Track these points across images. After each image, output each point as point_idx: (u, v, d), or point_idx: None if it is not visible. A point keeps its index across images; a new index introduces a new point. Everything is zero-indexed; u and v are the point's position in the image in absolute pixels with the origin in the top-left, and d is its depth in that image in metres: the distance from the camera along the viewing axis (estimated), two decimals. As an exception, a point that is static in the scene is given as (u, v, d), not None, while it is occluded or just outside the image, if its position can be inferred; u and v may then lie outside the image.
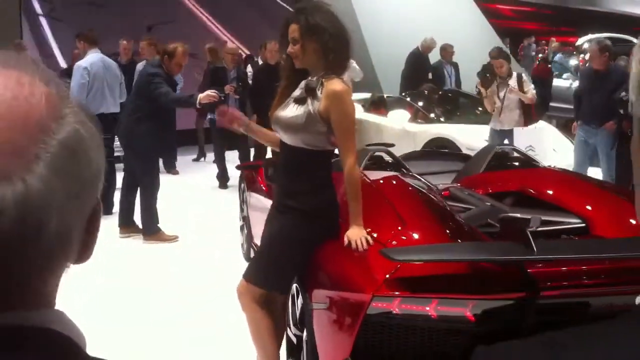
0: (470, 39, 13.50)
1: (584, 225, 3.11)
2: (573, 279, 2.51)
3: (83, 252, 0.69)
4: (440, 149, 7.69)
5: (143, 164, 6.28)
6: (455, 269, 2.50)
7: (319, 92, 2.94)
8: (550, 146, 8.16)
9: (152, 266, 5.65)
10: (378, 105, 10.09)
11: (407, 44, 11.78)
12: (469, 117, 9.57)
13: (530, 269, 2.45)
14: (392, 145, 7.18)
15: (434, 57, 11.71)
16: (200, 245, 6.21)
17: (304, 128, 2.96)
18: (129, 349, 4.06)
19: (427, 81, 10.94)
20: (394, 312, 2.42)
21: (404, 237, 2.84)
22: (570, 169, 7.78)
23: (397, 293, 2.43)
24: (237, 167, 6.52)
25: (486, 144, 8.06)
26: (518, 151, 5.17)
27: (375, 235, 2.87)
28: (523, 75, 7.91)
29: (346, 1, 13.63)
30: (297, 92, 3.05)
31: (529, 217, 3.28)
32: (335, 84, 2.93)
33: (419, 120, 9.33)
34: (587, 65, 8.67)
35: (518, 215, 3.36)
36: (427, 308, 2.39)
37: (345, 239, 2.86)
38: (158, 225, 6.37)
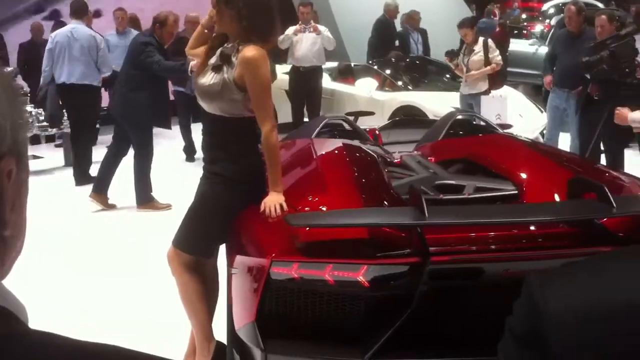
0: (438, 6, 13.43)
1: (516, 192, 3.07)
2: (467, 244, 2.51)
3: None
4: (408, 117, 7.69)
5: (138, 134, 6.31)
6: (352, 235, 2.53)
7: (234, 59, 2.94)
8: (517, 112, 8.18)
9: (146, 234, 5.59)
10: (345, 74, 10.02)
11: (374, 12, 11.66)
12: (436, 84, 9.56)
13: (429, 235, 2.46)
14: (372, 113, 7.24)
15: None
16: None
17: (219, 95, 2.95)
18: (125, 318, 4.07)
19: (394, 48, 10.88)
20: (293, 276, 2.46)
21: (319, 204, 2.89)
22: (536, 134, 7.85)
23: (294, 258, 2.48)
24: None
25: (451, 109, 8.13)
26: (478, 118, 5.16)
27: (292, 201, 2.90)
28: (489, 41, 7.89)
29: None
30: (213, 59, 3.05)
31: (465, 184, 3.26)
32: (249, 50, 2.90)
33: (387, 89, 9.28)
34: (560, 29, 8.65)
35: (453, 182, 3.32)
36: (323, 273, 2.43)
37: (262, 205, 2.87)
38: (151, 194, 6.46)
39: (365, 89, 9.22)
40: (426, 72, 10.09)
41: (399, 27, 11.69)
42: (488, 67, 7.63)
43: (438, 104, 8.34)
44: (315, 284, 2.45)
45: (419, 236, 2.43)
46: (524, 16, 17.86)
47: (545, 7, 16.94)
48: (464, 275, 2.47)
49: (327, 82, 9.51)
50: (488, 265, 2.42)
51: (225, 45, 3.04)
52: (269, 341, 2.50)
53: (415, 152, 4.22)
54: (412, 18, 11.51)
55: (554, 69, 7.33)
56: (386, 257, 2.42)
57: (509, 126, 5.72)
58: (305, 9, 9.04)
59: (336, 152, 3.72)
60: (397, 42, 11.28)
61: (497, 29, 12.39)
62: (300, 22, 9.06)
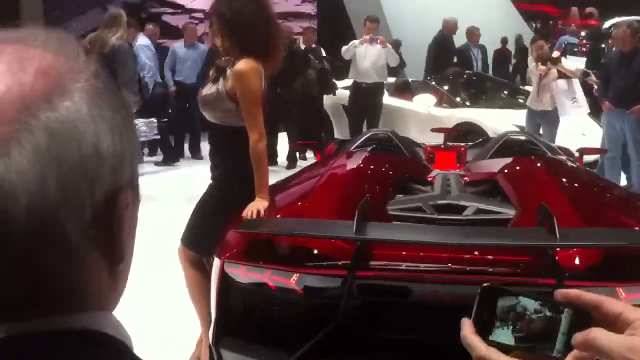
0: (496, 22, 13.36)
1: (508, 218, 3.00)
2: (401, 262, 2.50)
3: (106, 250, 0.62)
4: (466, 134, 7.67)
5: None
6: (294, 242, 2.65)
7: (228, 72, 3.14)
8: (580, 130, 8.07)
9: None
10: (402, 89, 10.02)
11: (431, 28, 11.65)
12: (495, 101, 9.50)
13: (377, 250, 2.51)
14: (454, 131, 7.21)
15: (460, 40, 11.59)
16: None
17: (213, 105, 3.17)
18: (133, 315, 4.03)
19: (452, 65, 10.85)
20: (242, 278, 2.61)
21: (291, 211, 3.06)
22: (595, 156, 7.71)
23: (241, 262, 2.63)
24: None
25: (513, 128, 8.07)
26: (533, 138, 4.99)
27: (276, 206, 3.10)
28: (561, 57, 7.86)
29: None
30: (212, 72, 3.30)
31: (468, 205, 3.21)
32: (241, 64, 3.08)
33: (445, 105, 9.26)
34: (613, 48, 8.53)
35: (453, 202, 3.27)
36: (264, 277, 2.55)
37: (246, 209, 3.03)
38: None
39: (423, 105, 9.20)
40: (484, 89, 10.03)
41: (457, 44, 11.65)
42: (577, 68, 7.59)
43: (497, 121, 8.29)
44: (259, 287, 2.60)
45: (356, 250, 2.48)
46: (582, 34, 17.58)
47: (606, 25, 16.66)
48: (387, 292, 2.48)
49: (385, 98, 9.52)
50: (417, 285, 2.43)
51: (223, 58, 3.29)
52: (221, 337, 2.68)
53: (456, 170, 4.21)
54: (472, 34, 11.46)
55: (607, 88, 7.21)
56: (316, 267, 2.50)
57: (568, 151, 5.45)
58: (372, 24, 9.03)
59: (349, 163, 3.83)
60: (455, 58, 11.25)
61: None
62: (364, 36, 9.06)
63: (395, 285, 2.45)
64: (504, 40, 12.96)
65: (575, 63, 7.82)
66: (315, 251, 2.59)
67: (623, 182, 7.12)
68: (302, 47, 9.20)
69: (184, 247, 3.42)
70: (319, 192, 3.28)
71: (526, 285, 2.32)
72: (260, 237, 2.72)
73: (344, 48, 9.30)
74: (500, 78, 11.36)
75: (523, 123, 7.97)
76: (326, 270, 2.50)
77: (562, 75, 7.55)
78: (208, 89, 3.22)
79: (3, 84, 0.56)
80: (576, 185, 3.64)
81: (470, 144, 5.46)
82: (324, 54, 10.01)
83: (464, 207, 3.19)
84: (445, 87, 9.58)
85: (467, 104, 9.26)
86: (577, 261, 2.43)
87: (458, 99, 9.33)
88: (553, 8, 19.30)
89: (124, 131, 0.63)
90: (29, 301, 0.58)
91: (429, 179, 3.89)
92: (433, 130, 6.73)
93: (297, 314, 2.54)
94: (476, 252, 2.51)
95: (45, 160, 0.55)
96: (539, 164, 4.04)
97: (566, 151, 5.46)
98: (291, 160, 8.89)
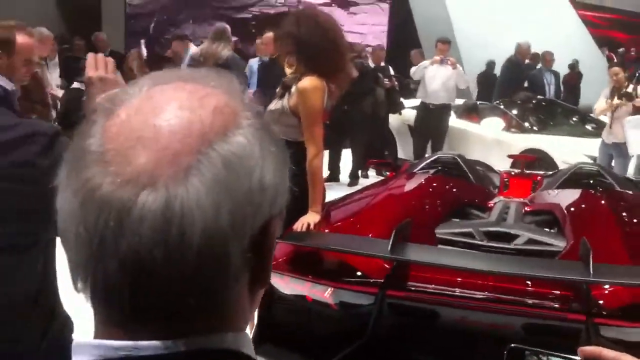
0: (569, 47, 13.14)
1: (558, 250, 2.96)
2: (432, 284, 2.49)
3: (256, 274, 0.68)
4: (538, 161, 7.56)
5: None
6: (333, 257, 2.70)
7: (293, 88, 3.26)
8: None
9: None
10: (470, 112, 9.94)
11: (502, 51, 11.56)
12: (563, 127, 9.32)
13: (415, 272, 2.52)
14: (534, 159, 7.11)
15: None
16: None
17: (277, 120, 3.27)
18: None
19: (522, 89, 10.71)
20: (284, 288, 2.69)
21: (341, 227, 3.12)
22: None
23: (284, 272, 2.69)
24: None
25: (585, 159, 7.89)
26: (600, 170, 4.82)
27: (327, 221, 3.18)
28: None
29: (441, 6, 13.51)
30: (278, 89, 3.44)
31: (520, 234, 3.19)
32: (305, 81, 3.20)
33: (513, 130, 9.14)
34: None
35: (503, 229, 3.26)
36: (304, 288, 2.61)
37: (298, 222, 3.10)
38: None
39: (491, 128, 9.11)
40: (554, 115, 9.86)
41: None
42: None
43: (566, 149, 8.14)
44: (299, 299, 2.66)
45: (392, 269, 2.52)
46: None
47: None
48: (417, 314, 2.48)
49: (452, 119, 9.47)
50: (443, 308, 2.42)
51: (289, 75, 3.41)
52: (260, 344, 2.72)
53: (520, 199, 4.16)
54: (546, 59, 11.30)
55: None
56: (350, 283, 2.54)
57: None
58: (444, 46, 9.04)
59: (407, 184, 3.87)
60: (525, 83, 11.11)
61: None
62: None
63: (425, 308, 2.47)
64: (572, 66, 12.70)
65: None
66: (352, 267, 2.65)
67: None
68: (372, 65, 9.23)
69: None
70: (371, 210, 3.35)
71: (555, 319, 2.28)
72: (304, 249, 2.79)
73: (413, 68, 9.30)
74: (569, 104, 11.16)
75: (592, 152, 7.81)
76: (360, 286, 2.55)
77: (637, 110, 7.34)
78: (274, 105, 3.34)
79: (186, 119, 0.63)
80: (636, 220, 3.54)
81: (549, 172, 5.39)
82: (392, 72, 10.03)
83: (516, 236, 3.18)
84: (514, 112, 9.47)
85: (536, 129, 9.13)
86: (611, 299, 2.36)
87: (527, 124, 9.20)
88: (625, 34, 18.90)
89: (282, 166, 0.69)
90: (193, 317, 0.63)
91: (490, 205, 3.88)
92: (510, 156, 6.67)
93: (331, 327, 2.60)
94: (511, 282, 2.49)
95: (221, 189, 0.61)
96: (601, 197, 3.97)
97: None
98: (353, 178, 8.92)
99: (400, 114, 9.57)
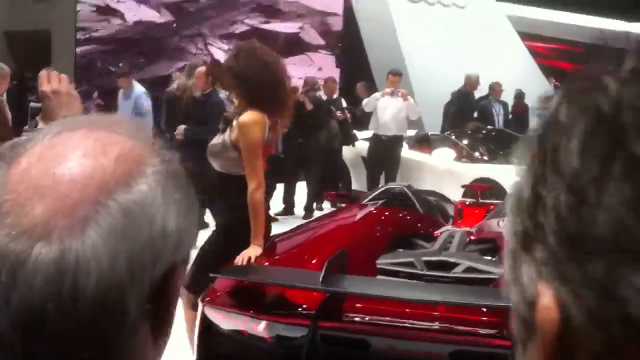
0: (517, 78, 13.45)
1: (495, 277, 3.00)
2: (363, 314, 2.51)
3: (156, 325, 0.66)
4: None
5: None
6: (269, 291, 2.72)
7: (234, 123, 3.30)
8: None
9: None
10: (422, 143, 10.08)
11: (452, 82, 11.78)
12: (512, 156, 9.46)
13: (342, 302, 2.54)
14: (489, 188, 7.18)
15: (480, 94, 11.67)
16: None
17: (218, 154, 3.35)
18: None
19: (472, 119, 10.91)
20: (220, 323, 2.72)
21: (282, 260, 3.13)
22: None
23: (221, 307, 2.71)
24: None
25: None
26: None
27: (268, 254, 3.19)
28: None
29: (392, 37, 13.75)
30: (221, 124, 3.50)
31: (460, 263, 3.26)
32: (245, 116, 3.26)
33: (464, 160, 9.30)
34: None
35: (444, 259, 3.32)
36: (238, 323, 2.63)
37: (239, 255, 3.11)
38: None
39: (442, 159, 9.25)
40: (504, 144, 10.06)
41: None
42: None
43: (515, 178, 8.28)
44: (232, 332, 2.69)
45: (323, 301, 2.52)
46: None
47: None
48: (348, 344, 2.49)
49: (404, 150, 9.58)
50: (373, 338, 2.43)
51: (232, 110, 3.47)
52: None
53: (467, 228, 4.22)
54: (494, 90, 11.55)
55: None
56: (284, 316, 2.55)
57: None
58: (395, 78, 9.19)
59: (353, 216, 3.89)
60: (475, 114, 11.32)
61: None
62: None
63: (356, 338, 2.47)
64: (518, 96, 12.89)
65: None
66: (287, 300, 2.65)
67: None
68: (324, 97, 9.31)
69: (187, 291, 3.46)
70: (312, 243, 3.35)
71: (483, 346, 2.30)
72: (242, 284, 2.79)
73: (365, 100, 9.42)
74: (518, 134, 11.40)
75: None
76: (292, 319, 2.56)
77: None
78: (216, 139, 3.38)
79: (89, 167, 0.61)
80: None
81: (502, 201, 5.45)
82: (344, 104, 10.13)
83: (456, 265, 3.23)
84: (465, 142, 9.64)
85: (486, 159, 9.30)
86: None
87: (477, 154, 9.37)
88: (569, 64, 19.45)
89: (188, 212, 0.67)
90: None
91: (436, 235, 3.92)
92: (464, 186, 6.76)
93: (263, 358, 2.61)
94: (442, 311, 2.51)
95: (119, 238, 0.60)
96: None
97: None
98: (308, 211, 8.94)
99: (353, 145, 9.67)
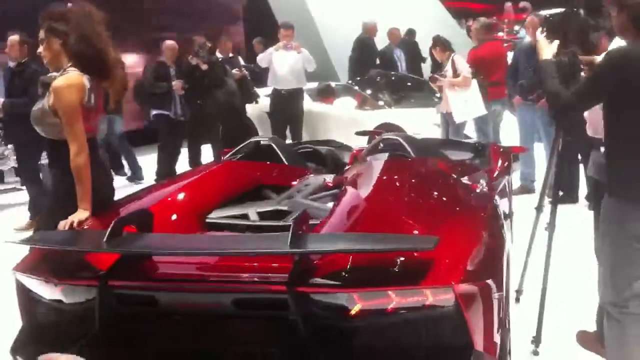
0: (426, 21, 13.46)
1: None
2: (150, 272, 2.51)
3: None
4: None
5: None
6: (69, 255, 2.68)
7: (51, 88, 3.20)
8: (464, 98, 7.95)
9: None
10: (325, 94, 10.05)
11: (356, 30, 11.71)
12: (417, 101, 9.56)
13: (134, 261, 2.53)
14: (381, 133, 7.04)
15: (384, 42, 11.65)
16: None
17: (40, 120, 3.23)
18: None
19: (374, 66, 10.91)
20: (27, 288, 2.71)
21: (105, 222, 2.96)
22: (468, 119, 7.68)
23: (30, 274, 2.66)
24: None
25: (434, 128, 8.11)
26: (400, 140, 4.58)
27: (97, 217, 3.12)
28: (457, 56, 7.84)
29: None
30: (40, 89, 3.38)
31: (290, 210, 3.29)
32: (58, 80, 3.16)
33: (366, 107, 9.32)
34: (524, 40, 8.58)
35: (277, 208, 3.36)
36: (39, 288, 2.66)
37: (64, 221, 3.07)
38: None
39: (344, 108, 9.24)
40: (404, 89, 10.10)
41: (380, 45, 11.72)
42: (460, 76, 7.55)
43: (416, 121, 8.36)
44: (38, 296, 2.70)
45: (117, 261, 2.49)
46: (516, 28, 17.88)
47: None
48: (138, 303, 2.48)
49: (308, 103, 9.54)
50: (160, 294, 2.42)
51: (49, 74, 3.34)
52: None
53: (330, 175, 4.21)
54: (393, 35, 11.55)
55: (516, 81, 7.09)
56: (76, 279, 2.55)
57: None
58: (286, 31, 9.06)
59: (202, 173, 3.79)
60: (377, 60, 11.31)
61: None
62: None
63: (144, 295, 2.45)
64: (409, 32, 12.59)
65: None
66: (83, 263, 2.61)
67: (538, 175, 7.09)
68: (220, 57, 9.15)
69: None
70: (145, 204, 3.21)
71: (261, 293, 2.31)
72: (48, 250, 2.73)
73: (259, 56, 9.32)
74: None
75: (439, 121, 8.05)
76: (81, 281, 2.55)
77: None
78: (37, 105, 3.27)
79: None
80: (403, 187, 3.46)
81: None
82: (242, 62, 9.98)
83: (288, 213, 3.24)
84: (368, 90, 9.64)
85: (388, 104, 9.33)
86: (316, 268, 2.35)
87: (380, 102, 9.39)
88: (484, 5, 19.57)
89: None
90: None
91: (292, 184, 3.93)
92: (357, 133, 6.73)
93: (67, 323, 2.60)
94: (227, 261, 2.50)
95: None
96: (381, 167, 3.79)
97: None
98: None
99: (256, 102, 9.57)
